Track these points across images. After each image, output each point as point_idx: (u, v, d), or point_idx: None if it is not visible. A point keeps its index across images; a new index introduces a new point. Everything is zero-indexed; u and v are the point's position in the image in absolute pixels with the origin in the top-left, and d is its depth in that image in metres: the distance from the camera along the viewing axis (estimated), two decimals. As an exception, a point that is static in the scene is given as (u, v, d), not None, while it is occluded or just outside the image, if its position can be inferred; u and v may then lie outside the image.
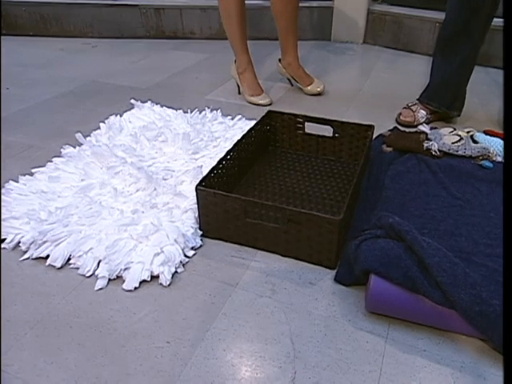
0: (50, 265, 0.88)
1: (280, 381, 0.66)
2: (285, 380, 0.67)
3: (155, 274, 0.84)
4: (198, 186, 0.90)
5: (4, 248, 0.93)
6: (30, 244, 0.91)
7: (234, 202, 0.88)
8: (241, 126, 1.38)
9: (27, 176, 1.12)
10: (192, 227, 0.94)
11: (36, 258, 0.90)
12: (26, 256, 0.90)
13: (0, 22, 2.49)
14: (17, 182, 1.10)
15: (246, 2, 1.49)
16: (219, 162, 1.00)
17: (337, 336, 0.73)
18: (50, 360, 0.70)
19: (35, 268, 0.88)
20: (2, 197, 1.03)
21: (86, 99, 1.69)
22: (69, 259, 0.89)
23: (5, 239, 0.94)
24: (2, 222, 0.96)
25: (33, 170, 1.15)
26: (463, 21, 1.27)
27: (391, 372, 0.68)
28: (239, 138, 1.11)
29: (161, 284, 0.83)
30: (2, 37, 2.50)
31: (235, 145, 1.08)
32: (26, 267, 0.89)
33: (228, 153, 1.04)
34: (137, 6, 2.43)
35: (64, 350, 0.72)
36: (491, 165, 1.13)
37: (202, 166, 1.12)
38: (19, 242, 0.92)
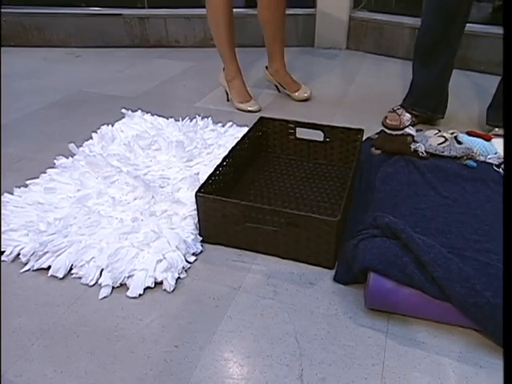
0: (51, 275, 0.89)
1: (288, 378, 0.69)
2: (293, 377, 0.69)
3: (159, 280, 0.86)
4: (197, 192, 0.92)
5: (3, 260, 0.93)
6: (31, 255, 0.91)
7: (234, 207, 0.90)
8: (232, 133, 1.41)
9: (22, 188, 1.13)
10: (192, 233, 0.96)
11: (37, 270, 0.90)
12: (26, 268, 0.91)
13: (0, 32, 2.46)
14: (12, 194, 1.10)
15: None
16: (216, 169, 1.02)
17: (339, 333, 0.76)
18: (59, 369, 0.71)
19: (37, 279, 0.89)
20: (-2, 209, 1.04)
21: (74, 109, 1.69)
22: (70, 269, 0.90)
23: (4, 252, 0.94)
24: (1, 235, 0.96)
25: (27, 182, 1.15)
26: (442, 28, 1.33)
27: (393, 364, 0.71)
28: (233, 144, 1.13)
29: (165, 290, 0.85)
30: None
31: (230, 151, 1.10)
32: (28, 279, 0.89)
33: (224, 159, 1.07)
34: (120, 15, 2.44)
35: (73, 358, 0.73)
36: (475, 164, 1.19)
37: (198, 173, 1.14)
38: (19, 254, 0.93)
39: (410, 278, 0.75)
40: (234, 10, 1.53)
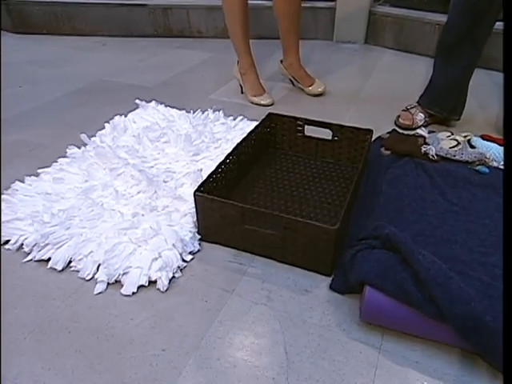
0: (51, 267, 0.85)
1: (272, 392, 0.63)
2: (277, 392, 0.63)
3: (153, 279, 0.80)
4: (196, 191, 0.86)
5: (8, 249, 0.90)
6: (33, 246, 0.88)
7: (232, 208, 0.83)
8: (242, 127, 1.33)
9: (33, 176, 1.09)
10: (190, 231, 0.90)
11: (38, 260, 0.87)
12: (28, 258, 0.87)
13: None
14: (23, 182, 1.06)
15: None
16: (218, 167, 0.95)
17: (330, 346, 0.70)
18: (47, 366, 0.67)
19: (37, 270, 0.85)
20: (8, 197, 1.00)
21: (94, 98, 1.64)
22: (70, 262, 0.86)
23: (9, 240, 0.91)
24: (7, 224, 0.93)
25: (39, 171, 1.11)
26: (467, 27, 1.18)
27: (383, 385, 0.64)
28: (239, 140, 1.06)
29: (158, 289, 0.80)
30: (15, 35, 2.46)
31: (235, 148, 1.03)
32: (29, 269, 0.85)
33: (227, 157, 0.99)
34: (145, 5, 2.36)
35: (62, 355, 0.69)
36: (487, 170, 1.08)
37: (201, 170, 1.07)
38: (23, 244, 0.89)
39: (406, 294, 0.67)
40: (250, 1, 1.43)
